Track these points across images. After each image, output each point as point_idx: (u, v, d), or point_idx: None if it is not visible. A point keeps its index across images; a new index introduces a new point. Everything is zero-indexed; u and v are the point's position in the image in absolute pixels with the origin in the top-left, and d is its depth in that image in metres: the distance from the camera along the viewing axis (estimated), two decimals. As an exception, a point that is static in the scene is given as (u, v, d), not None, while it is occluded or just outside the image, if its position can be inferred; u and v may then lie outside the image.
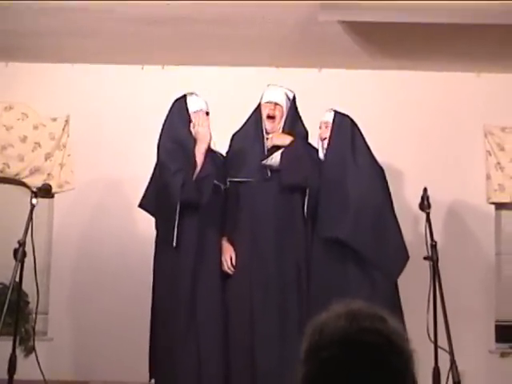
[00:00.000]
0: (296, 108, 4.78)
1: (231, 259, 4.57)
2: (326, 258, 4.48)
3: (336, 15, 4.63)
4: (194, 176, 4.41)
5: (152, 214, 4.67)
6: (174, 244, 4.38)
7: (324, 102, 5.76)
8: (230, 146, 4.82)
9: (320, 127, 4.74)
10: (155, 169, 4.64)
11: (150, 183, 4.70)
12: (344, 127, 4.68)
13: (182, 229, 4.42)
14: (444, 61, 5.58)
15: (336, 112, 4.71)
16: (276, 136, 4.69)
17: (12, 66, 5.89)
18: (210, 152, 4.52)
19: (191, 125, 4.54)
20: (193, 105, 4.63)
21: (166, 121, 4.65)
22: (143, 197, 4.72)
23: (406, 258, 4.51)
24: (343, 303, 1.44)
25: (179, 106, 4.64)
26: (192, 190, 4.39)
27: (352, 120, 4.73)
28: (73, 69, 5.89)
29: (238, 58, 5.68)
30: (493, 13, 4.38)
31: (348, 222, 4.43)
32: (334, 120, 4.68)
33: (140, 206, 4.75)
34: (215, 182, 4.52)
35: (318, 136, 4.76)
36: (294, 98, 4.76)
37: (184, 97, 4.67)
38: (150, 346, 4.54)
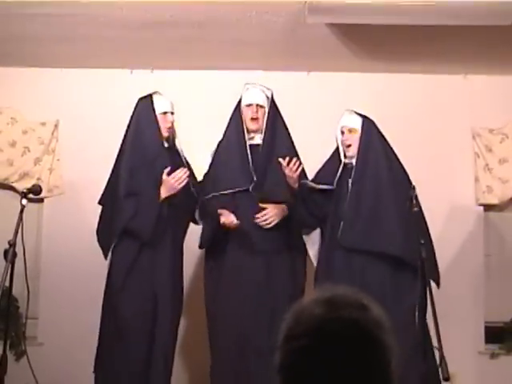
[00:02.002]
0: (276, 106, 4.80)
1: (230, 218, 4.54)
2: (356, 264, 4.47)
3: (324, 18, 4.65)
4: (145, 212, 4.50)
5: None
6: (107, 260, 4.66)
7: (313, 105, 5.81)
8: (214, 157, 4.82)
9: (342, 132, 4.68)
10: (114, 167, 4.72)
11: (109, 181, 4.75)
12: (374, 135, 4.65)
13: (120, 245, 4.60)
14: (431, 63, 5.61)
15: (363, 118, 4.67)
16: (272, 218, 4.64)
17: (1, 71, 5.89)
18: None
19: (167, 171, 4.54)
20: (159, 106, 4.65)
21: (131, 121, 4.68)
22: (103, 194, 4.78)
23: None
24: (327, 289, 1.40)
25: (146, 107, 4.66)
26: (141, 223, 4.50)
27: (374, 123, 4.73)
28: (62, 73, 5.89)
29: (227, 62, 5.69)
30: (479, 14, 4.40)
31: (399, 238, 4.39)
32: (362, 127, 4.63)
33: (99, 202, 4.80)
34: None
35: (339, 141, 4.72)
36: (272, 95, 4.78)
37: (149, 96, 4.68)
38: (99, 343, 4.70)
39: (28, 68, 5.84)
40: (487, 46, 5.18)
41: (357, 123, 4.64)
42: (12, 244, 3.87)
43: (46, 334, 5.72)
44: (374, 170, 4.56)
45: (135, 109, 4.73)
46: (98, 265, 5.63)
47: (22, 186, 5.59)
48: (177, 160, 4.68)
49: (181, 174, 4.49)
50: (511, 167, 5.82)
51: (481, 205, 5.87)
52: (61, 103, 5.88)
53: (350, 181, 4.53)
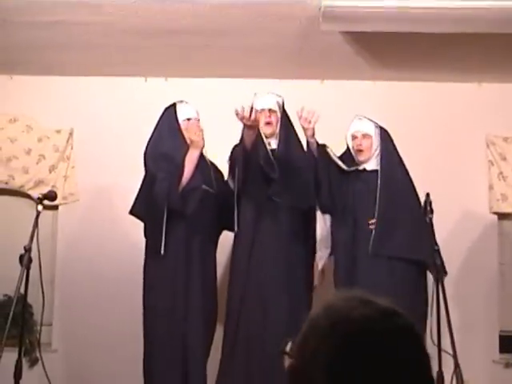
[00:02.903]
0: (287, 114, 4.81)
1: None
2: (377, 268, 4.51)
3: (338, 25, 4.65)
4: (181, 186, 4.46)
5: (142, 220, 4.73)
6: (162, 252, 4.45)
7: (326, 114, 5.79)
8: (231, 159, 4.84)
9: (355, 137, 4.72)
10: (145, 177, 4.70)
11: (140, 190, 4.75)
12: (391, 143, 4.73)
13: (168, 237, 4.50)
14: (445, 71, 5.61)
15: (379, 126, 4.72)
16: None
17: (16, 79, 5.94)
18: (200, 159, 4.58)
19: (184, 130, 4.56)
20: (182, 113, 4.67)
21: (154, 129, 4.69)
22: (134, 204, 4.78)
23: None
24: (341, 294, 1.38)
25: (169, 115, 4.68)
26: (177, 199, 4.45)
27: (388, 131, 4.78)
28: (76, 81, 5.93)
29: (241, 70, 5.71)
30: (494, 22, 4.39)
31: (426, 244, 4.42)
32: (380, 136, 4.68)
33: (131, 212, 4.80)
34: (204, 187, 4.56)
35: (350, 146, 4.76)
36: (283, 103, 4.81)
37: (173, 105, 4.71)
38: (144, 354, 4.66)
39: (43, 76, 5.88)
40: (501, 54, 5.17)
41: (370, 129, 4.69)
42: (28, 249, 3.90)
43: (60, 340, 5.74)
44: (396, 178, 4.63)
45: (159, 118, 4.75)
46: (113, 271, 5.67)
47: (37, 193, 5.62)
48: (203, 164, 4.69)
49: (194, 124, 4.53)
50: (526, 175, 5.81)
51: (495, 213, 5.85)
52: (75, 111, 5.92)
53: (378, 190, 4.54)
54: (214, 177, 4.79)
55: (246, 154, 4.58)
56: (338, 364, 1.27)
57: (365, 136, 4.69)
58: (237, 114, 4.44)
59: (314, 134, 4.59)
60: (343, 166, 4.67)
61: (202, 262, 4.64)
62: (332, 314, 1.34)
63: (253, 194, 4.69)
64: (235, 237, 4.81)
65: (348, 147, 4.81)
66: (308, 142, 4.64)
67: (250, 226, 4.70)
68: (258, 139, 4.58)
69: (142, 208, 4.73)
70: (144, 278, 4.72)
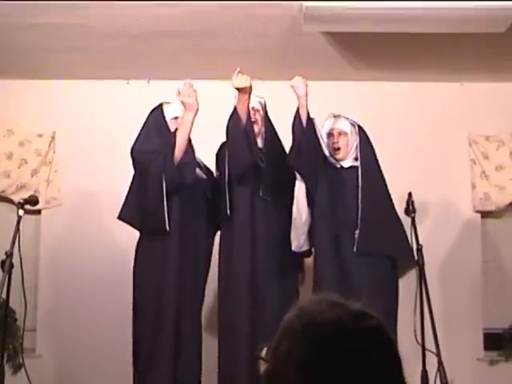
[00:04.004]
0: (269, 117, 4.81)
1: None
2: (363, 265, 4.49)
3: (319, 26, 4.66)
4: (176, 160, 4.38)
5: (131, 225, 4.69)
6: (167, 227, 4.36)
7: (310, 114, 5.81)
8: (218, 156, 4.82)
9: (331, 134, 4.70)
10: (133, 179, 4.65)
11: (128, 195, 4.70)
12: (368, 141, 4.69)
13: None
14: (428, 71, 5.63)
15: (356, 124, 4.69)
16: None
17: (-3, 83, 5.91)
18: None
19: (177, 93, 4.48)
20: (169, 112, 4.64)
21: (141, 130, 4.64)
22: (122, 208, 4.71)
23: None
24: (313, 296, 1.40)
25: (155, 115, 4.64)
26: (174, 170, 4.37)
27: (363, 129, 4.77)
28: (58, 85, 5.90)
29: (224, 72, 5.68)
30: (475, 22, 4.42)
31: (405, 241, 4.45)
32: (359, 134, 4.65)
33: (119, 217, 4.73)
34: (197, 170, 4.53)
35: (326, 144, 4.74)
36: (266, 104, 4.80)
37: (160, 106, 4.68)
38: (133, 352, 4.58)
39: (24, 80, 5.85)
40: (483, 54, 5.20)
41: (347, 127, 4.67)
42: (9, 255, 3.87)
43: (44, 346, 5.70)
44: (373, 176, 4.60)
45: (146, 119, 4.70)
46: (96, 276, 5.65)
47: (20, 197, 5.58)
48: (193, 150, 4.64)
49: (185, 90, 4.41)
50: (508, 174, 5.83)
51: (478, 212, 5.88)
52: (57, 115, 5.89)
53: (360, 188, 4.52)
54: (204, 166, 4.78)
55: (240, 130, 4.49)
56: (310, 367, 1.28)
57: (341, 134, 4.67)
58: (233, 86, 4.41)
59: (305, 100, 4.51)
60: (325, 151, 4.65)
61: (197, 247, 4.60)
62: (303, 316, 1.35)
63: (246, 180, 4.64)
64: (225, 226, 4.73)
65: None
66: (298, 111, 4.53)
67: (248, 213, 4.64)
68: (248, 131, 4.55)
69: (131, 212, 4.68)
70: (134, 267, 4.62)
